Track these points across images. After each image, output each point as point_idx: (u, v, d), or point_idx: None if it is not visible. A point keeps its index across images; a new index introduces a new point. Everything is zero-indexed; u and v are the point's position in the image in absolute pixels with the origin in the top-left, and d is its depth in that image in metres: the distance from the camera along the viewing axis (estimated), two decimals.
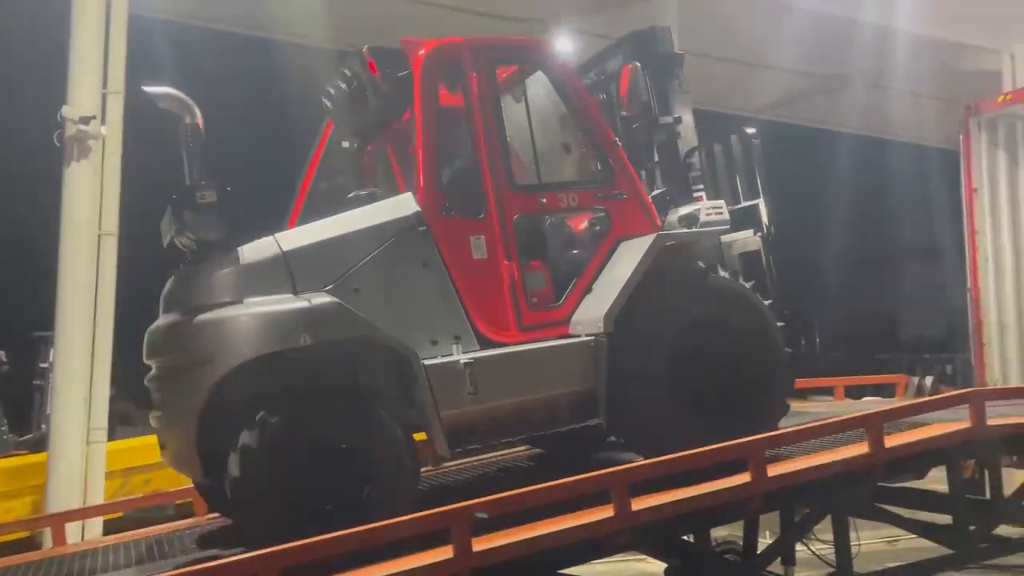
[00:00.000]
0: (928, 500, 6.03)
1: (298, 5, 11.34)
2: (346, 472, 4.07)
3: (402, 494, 4.14)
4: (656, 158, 5.42)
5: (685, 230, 5.01)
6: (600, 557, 4.32)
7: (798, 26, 12.37)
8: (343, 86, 5.15)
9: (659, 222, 5.04)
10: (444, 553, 3.62)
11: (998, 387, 5.70)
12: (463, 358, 4.46)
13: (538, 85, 5.10)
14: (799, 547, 6.02)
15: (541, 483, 3.96)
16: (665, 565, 5.99)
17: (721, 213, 5.14)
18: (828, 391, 8.72)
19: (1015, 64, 14.45)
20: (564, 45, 13.95)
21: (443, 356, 4.46)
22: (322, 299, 4.21)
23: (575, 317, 4.79)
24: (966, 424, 5.06)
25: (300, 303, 4.18)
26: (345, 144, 5.54)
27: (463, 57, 4.81)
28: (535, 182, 4.94)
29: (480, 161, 4.75)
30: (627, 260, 4.82)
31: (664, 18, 12.05)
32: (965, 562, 5.82)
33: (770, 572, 5.41)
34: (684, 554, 4.94)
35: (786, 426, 5.15)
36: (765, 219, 5.43)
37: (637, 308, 4.65)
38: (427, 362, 4.37)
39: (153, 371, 4.59)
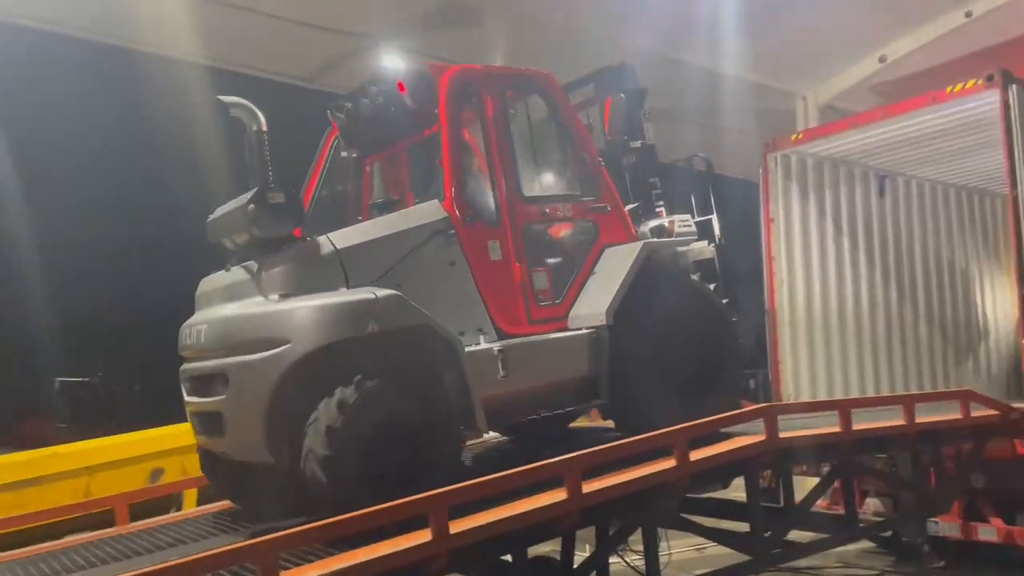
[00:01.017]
0: (728, 509, 6.44)
1: (157, 15, 10.78)
2: (409, 440, 4.54)
3: (453, 459, 4.73)
4: (626, 177, 6.20)
5: (666, 239, 5.90)
6: None
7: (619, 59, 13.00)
8: (367, 101, 5.65)
9: (634, 232, 5.83)
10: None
11: (790, 402, 6.18)
12: (495, 346, 5.08)
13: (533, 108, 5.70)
14: (615, 559, 6.24)
15: None
16: None
17: (689, 225, 6.13)
18: None
19: (807, 105, 15.99)
20: (392, 62, 14.00)
21: (475, 344, 5.03)
22: (386, 292, 4.67)
23: (573, 312, 5.48)
24: (761, 437, 5.44)
25: (368, 295, 4.63)
26: (346, 155, 6.10)
27: (481, 82, 5.42)
28: (538, 194, 5.59)
29: (495, 174, 5.34)
30: (618, 264, 5.55)
31: (493, 44, 12.32)
32: (760, 566, 6.23)
33: None
34: (503, 574, 4.96)
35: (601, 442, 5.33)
36: (717, 232, 6.42)
37: (628, 304, 5.38)
38: (467, 349, 4.91)
39: (203, 361, 4.85)
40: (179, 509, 7.27)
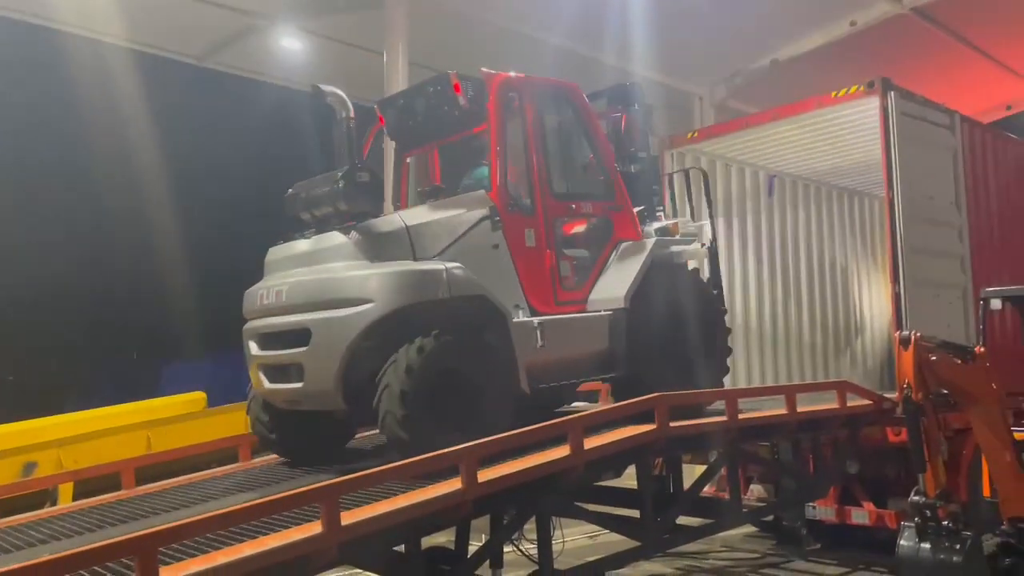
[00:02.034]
0: (620, 497, 6.57)
1: None
2: (468, 389, 5.17)
3: (507, 410, 5.33)
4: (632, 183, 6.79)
5: (674, 237, 6.63)
6: (310, 575, 4.16)
7: (518, 49, 13.06)
8: (422, 100, 6.26)
9: (641, 230, 6.56)
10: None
11: (680, 392, 6.36)
12: (535, 320, 5.75)
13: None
14: (509, 548, 6.28)
15: None
16: None
17: (691, 227, 6.99)
18: None
19: (703, 105, 16.49)
20: (290, 44, 13.68)
21: (517, 317, 5.65)
22: (453, 264, 5.34)
23: (592, 297, 6.20)
24: (652, 427, 5.58)
25: (439, 266, 5.30)
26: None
27: (523, 88, 6.06)
28: (566, 191, 6.24)
29: (531, 170, 5.99)
30: (632, 256, 6.33)
31: (394, 31, 12.16)
32: (650, 551, 6.39)
33: None
34: (397, 565, 4.91)
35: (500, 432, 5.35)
36: (710, 236, 7.23)
37: (641, 291, 6.15)
38: (512, 320, 5.56)
39: (283, 318, 5.36)
40: (54, 504, 6.91)
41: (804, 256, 10.76)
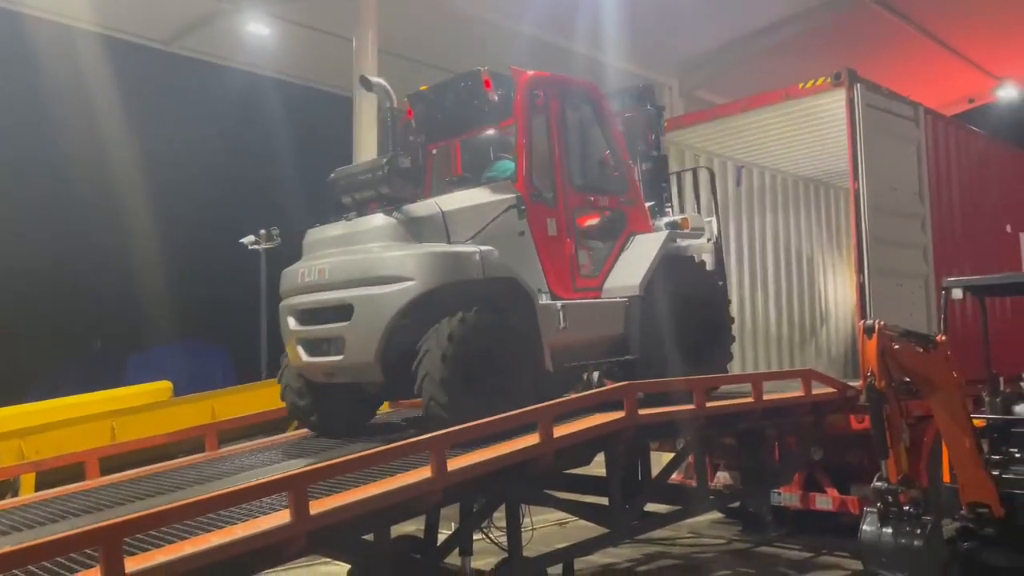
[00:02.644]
0: (590, 484, 6.62)
1: None
2: (500, 361, 5.52)
3: (532, 386, 5.65)
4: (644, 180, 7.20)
5: (683, 231, 6.97)
6: (278, 564, 4.14)
7: (487, 37, 13.01)
8: (452, 95, 6.54)
9: (651, 224, 6.92)
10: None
11: (648, 381, 6.41)
12: (557, 303, 6.09)
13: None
14: (478, 536, 6.29)
15: None
16: (348, 566, 5.94)
17: (700, 222, 7.35)
18: None
19: (672, 95, 16.53)
20: (258, 29, 13.49)
21: (542, 300, 5.99)
22: (487, 248, 5.72)
23: (608, 284, 6.55)
24: (621, 414, 5.62)
25: (475, 249, 5.67)
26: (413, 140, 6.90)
27: (548, 86, 6.41)
28: (585, 184, 6.57)
29: (554, 163, 6.33)
30: (646, 247, 6.66)
31: (366, 18, 12.03)
32: (619, 538, 6.45)
33: (448, 564, 5.56)
34: (366, 554, 4.91)
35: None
36: (716, 232, 7.56)
37: (654, 280, 6.49)
38: (538, 302, 5.93)
39: (325, 294, 5.67)
40: (16, 495, 6.79)
41: (771, 246, 10.87)
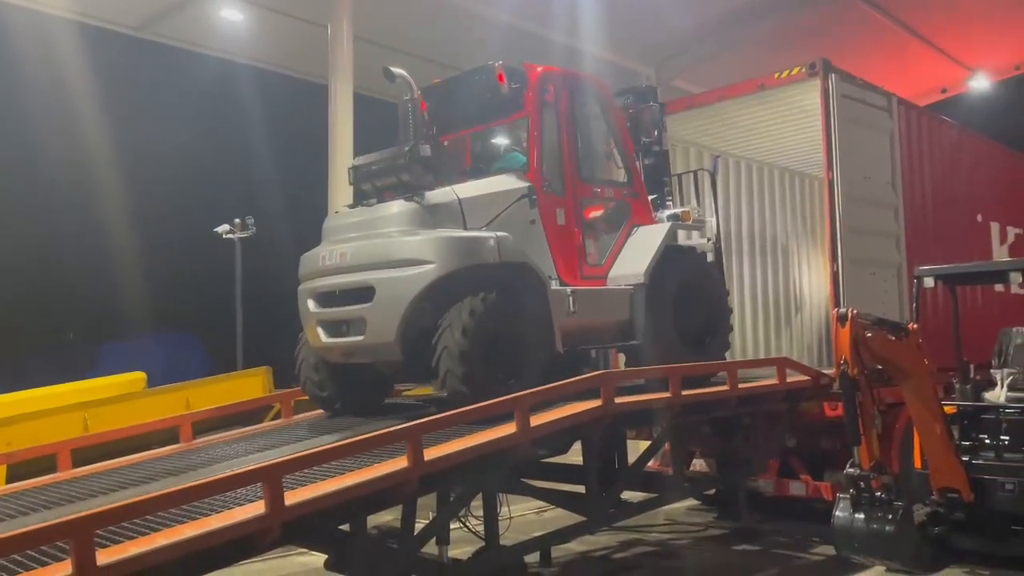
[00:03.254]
0: (567, 473, 6.64)
1: None
2: (514, 342, 5.77)
3: (543, 366, 5.92)
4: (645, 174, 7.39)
5: (686, 222, 7.26)
6: (253, 555, 4.11)
7: (464, 26, 12.95)
8: (466, 88, 6.77)
9: (654, 216, 7.17)
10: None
11: (626, 369, 6.45)
12: (567, 289, 6.31)
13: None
14: (456, 525, 6.30)
15: None
16: (325, 557, 5.93)
17: (701, 215, 7.74)
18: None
19: (650, 84, 16.54)
20: (231, 15, 13.32)
21: (553, 286, 6.21)
22: (503, 234, 5.94)
23: (613, 273, 6.79)
24: (598, 403, 5.64)
25: (492, 235, 5.89)
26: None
27: (558, 81, 6.66)
28: (592, 177, 6.87)
29: (563, 155, 6.56)
30: (650, 238, 6.89)
31: (342, 5, 11.90)
32: (595, 526, 6.48)
33: (425, 553, 5.56)
34: (341, 544, 4.90)
35: (445, 410, 5.35)
36: (715, 230, 8.01)
37: (658, 270, 6.72)
38: (550, 287, 6.15)
39: (346, 277, 5.87)
40: None
41: (747, 235, 10.93)
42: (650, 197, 7.33)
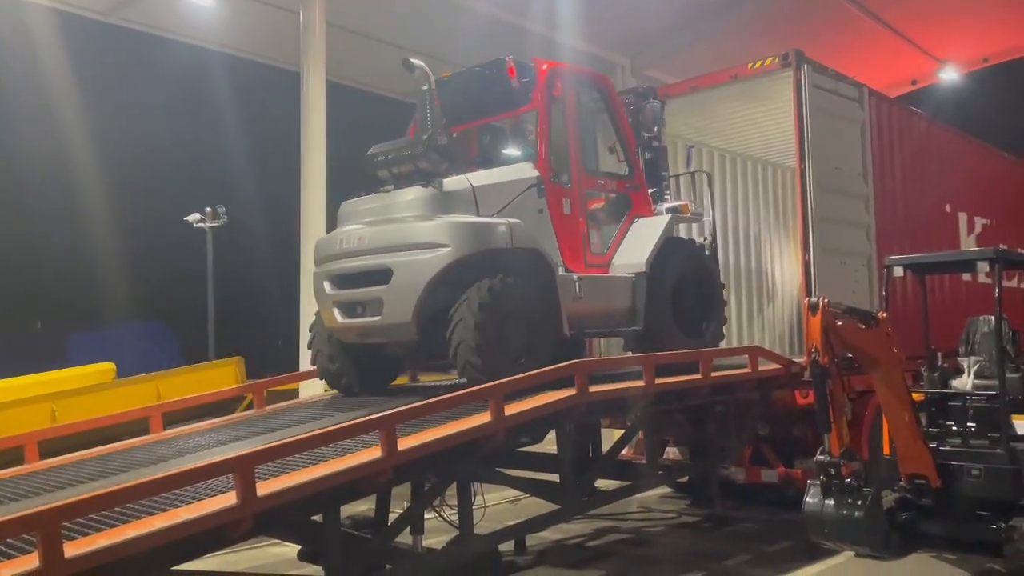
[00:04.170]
0: (541, 462, 6.66)
1: None
2: (526, 325, 6.06)
3: (552, 348, 6.19)
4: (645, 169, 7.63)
5: (685, 214, 7.55)
6: (224, 547, 4.08)
7: (439, 14, 12.86)
8: (477, 80, 6.98)
9: (653, 208, 7.42)
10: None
11: (600, 358, 6.47)
12: (574, 275, 6.54)
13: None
14: (430, 515, 6.29)
15: None
16: (298, 548, 5.90)
17: (698, 208, 8.17)
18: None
19: (624, 74, 16.58)
20: (201, 0, 13.11)
21: (561, 272, 6.46)
22: (515, 221, 6.18)
23: (616, 261, 7.07)
24: (572, 392, 5.65)
25: (505, 221, 6.13)
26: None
27: (565, 77, 6.93)
28: (596, 169, 7.18)
29: (569, 148, 6.82)
30: (651, 229, 7.17)
31: None
32: (570, 514, 6.50)
33: (399, 543, 5.55)
34: (315, 534, 4.87)
35: (415, 400, 5.34)
36: (711, 228, 8.52)
37: (659, 259, 7.00)
38: (558, 273, 6.41)
39: (364, 259, 6.10)
40: None
41: (719, 225, 10.97)
42: (650, 191, 7.56)
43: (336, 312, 6.33)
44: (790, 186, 11.40)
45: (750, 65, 8.79)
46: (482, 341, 5.73)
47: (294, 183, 10.99)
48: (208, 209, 23.76)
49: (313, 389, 9.09)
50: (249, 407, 7.73)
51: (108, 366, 10.66)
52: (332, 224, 10.76)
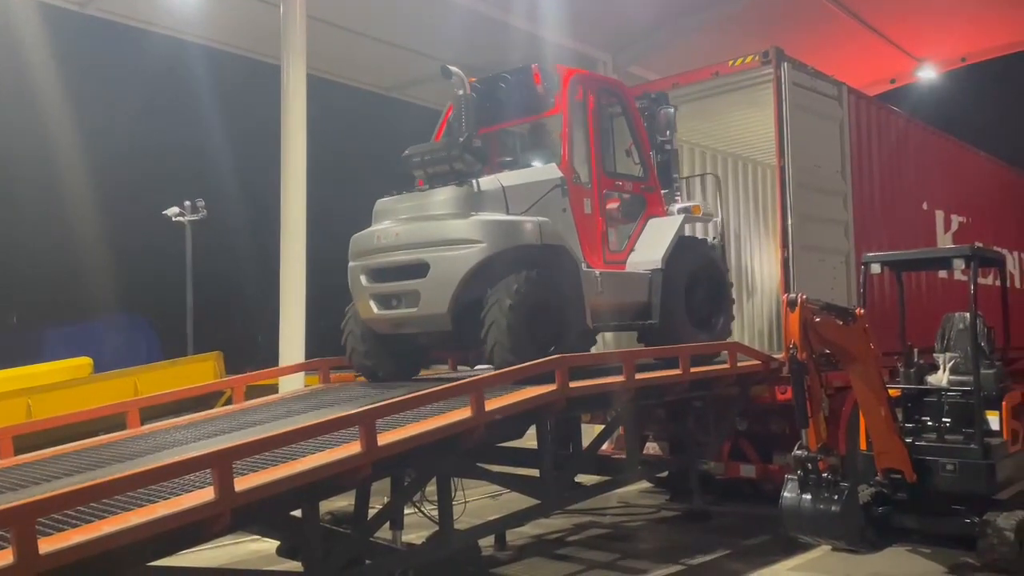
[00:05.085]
0: (521, 457, 6.67)
1: None
2: (553, 317, 6.40)
3: (576, 337, 6.60)
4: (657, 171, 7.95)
5: (697, 214, 7.95)
6: (203, 542, 4.05)
7: (422, 8, 12.81)
8: (503, 85, 7.37)
9: (666, 209, 7.79)
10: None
11: (584, 354, 6.49)
12: (596, 271, 6.93)
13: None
14: (411, 510, 6.29)
15: None
16: (277, 543, 5.88)
17: (709, 209, 8.86)
18: (443, 361, 9.26)
19: (606, 71, 16.58)
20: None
21: (585, 267, 6.86)
22: (544, 219, 6.57)
23: (632, 259, 7.43)
24: (553, 387, 5.66)
25: (535, 219, 6.53)
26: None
27: (587, 83, 7.35)
28: (613, 171, 7.54)
29: (590, 150, 7.20)
30: (665, 228, 7.55)
31: None
32: (550, 509, 6.52)
33: (378, 538, 5.54)
34: (294, 530, 4.86)
35: (398, 395, 5.32)
36: (720, 229, 8.84)
37: (673, 256, 7.38)
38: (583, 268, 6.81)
39: (400, 254, 6.51)
40: None
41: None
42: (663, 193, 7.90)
43: (372, 304, 6.72)
44: (770, 183, 11.46)
45: (731, 62, 8.83)
46: (513, 332, 6.07)
47: (274, 177, 10.91)
48: (187, 203, 23.56)
49: (293, 384, 9.05)
50: (228, 402, 7.68)
51: (85, 361, 10.55)
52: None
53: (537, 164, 7.24)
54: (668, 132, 8.05)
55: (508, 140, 7.91)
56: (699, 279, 7.65)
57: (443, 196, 6.52)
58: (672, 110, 8.11)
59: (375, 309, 6.73)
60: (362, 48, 13.84)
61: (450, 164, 6.58)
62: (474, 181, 6.47)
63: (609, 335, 9.51)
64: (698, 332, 7.50)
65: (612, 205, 7.45)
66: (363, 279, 6.79)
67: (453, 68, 6.97)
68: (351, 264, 6.93)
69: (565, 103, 7.05)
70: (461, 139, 6.56)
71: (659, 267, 7.32)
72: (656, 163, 7.90)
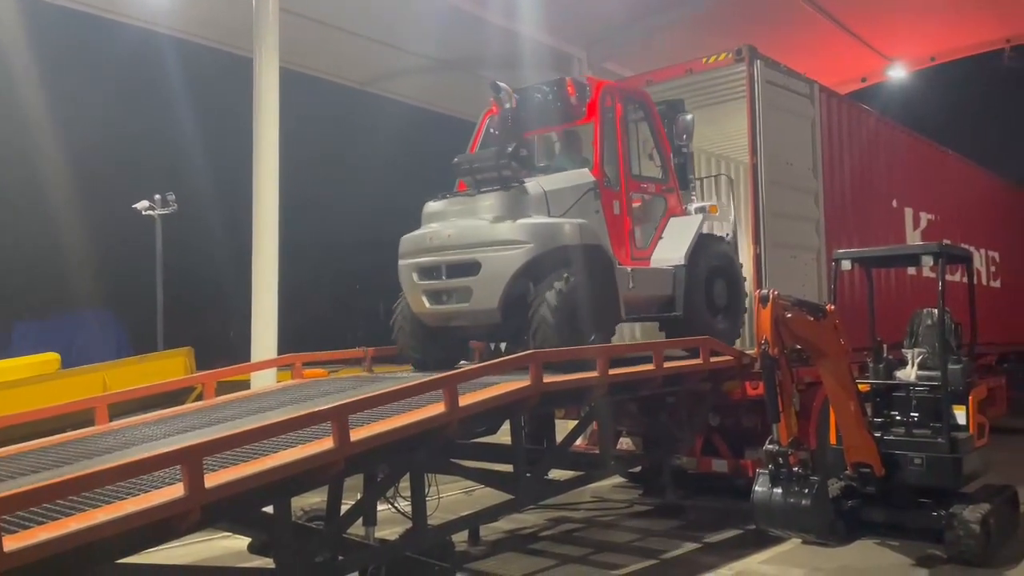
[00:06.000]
0: (495, 452, 6.67)
1: None
2: (594, 311, 6.86)
3: (612, 327, 7.31)
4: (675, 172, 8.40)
5: (713, 213, 8.36)
6: (172, 539, 4.00)
7: (397, 2, 12.74)
8: (539, 95, 7.94)
9: (684, 208, 8.24)
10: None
11: (554, 349, 6.48)
12: (627, 268, 7.41)
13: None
14: (384, 506, 6.26)
15: None
16: (248, 540, 5.82)
17: (726, 208, 9.25)
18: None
19: (581, 67, 16.60)
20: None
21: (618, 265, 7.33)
22: (584, 221, 7.06)
23: (656, 256, 7.89)
24: (527, 382, 5.66)
25: (576, 221, 7.01)
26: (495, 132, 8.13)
27: (615, 92, 7.87)
28: (639, 173, 8.01)
29: (618, 156, 7.67)
30: (686, 226, 8.01)
31: None
32: (523, 504, 6.52)
33: (351, 534, 5.51)
34: (266, 527, 4.81)
35: (372, 391, 5.30)
36: (733, 228, 8.91)
37: (694, 253, 7.83)
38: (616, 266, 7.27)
39: (453, 254, 6.99)
40: None
41: None
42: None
43: (424, 299, 7.16)
44: (743, 180, 11.55)
45: (704, 60, 8.88)
46: (559, 327, 6.53)
47: (246, 171, 10.80)
48: (157, 196, 23.26)
49: (265, 379, 8.97)
50: (199, 398, 7.59)
51: (52, 356, 10.39)
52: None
53: (569, 169, 7.63)
54: (685, 136, 8.42)
55: (542, 146, 8.51)
56: (717, 273, 8.07)
57: (491, 200, 7.01)
58: (690, 116, 8.43)
59: (427, 304, 7.14)
60: (336, 42, 13.74)
61: (498, 171, 7.01)
62: (521, 186, 6.96)
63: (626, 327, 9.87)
64: (717, 322, 7.96)
65: (636, 205, 7.89)
66: (415, 276, 7.20)
67: (502, 84, 7.71)
68: (401, 263, 7.35)
69: (597, 112, 7.56)
70: (510, 148, 7.00)
71: (682, 263, 7.75)
72: (675, 165, 8.29)
